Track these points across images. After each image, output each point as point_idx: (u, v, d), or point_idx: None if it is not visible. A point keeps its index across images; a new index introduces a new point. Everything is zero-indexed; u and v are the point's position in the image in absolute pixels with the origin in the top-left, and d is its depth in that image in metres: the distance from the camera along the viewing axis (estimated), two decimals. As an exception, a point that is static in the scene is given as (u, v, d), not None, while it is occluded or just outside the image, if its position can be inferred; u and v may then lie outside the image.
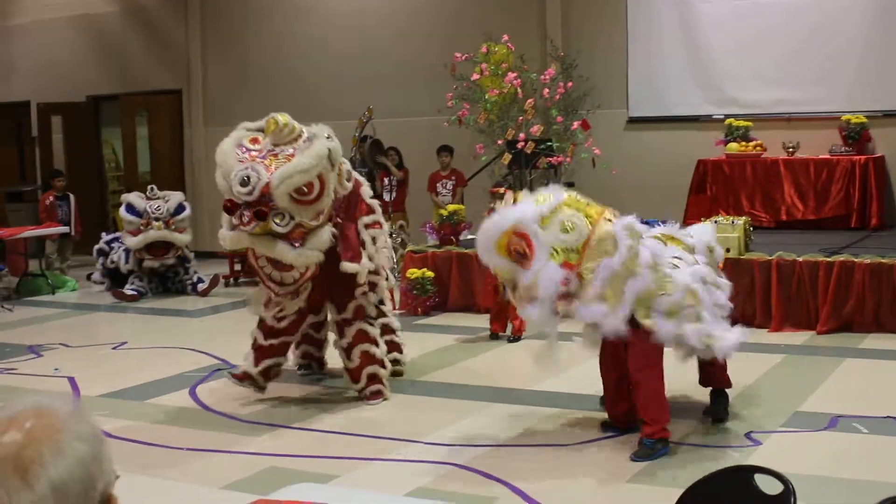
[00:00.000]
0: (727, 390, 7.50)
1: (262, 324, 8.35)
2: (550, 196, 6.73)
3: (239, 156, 7.58)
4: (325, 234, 7.71)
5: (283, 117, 7.70)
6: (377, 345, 8.33)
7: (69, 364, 9.92)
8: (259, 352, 8.27)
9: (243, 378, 8.28)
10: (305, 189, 7.41)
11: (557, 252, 6.47)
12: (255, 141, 7.72)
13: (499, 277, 7.34)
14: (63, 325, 12.40)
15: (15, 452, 1.75)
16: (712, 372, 7.38)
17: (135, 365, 9.89)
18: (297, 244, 7.54)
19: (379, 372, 8.29)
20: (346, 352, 8.27)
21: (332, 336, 8.70)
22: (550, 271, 6.42)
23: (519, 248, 6.51)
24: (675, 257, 6.87)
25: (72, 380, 9.25)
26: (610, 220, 6.66)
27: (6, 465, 1.75)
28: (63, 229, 15.50)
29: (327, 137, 7.68)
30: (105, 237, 14.81)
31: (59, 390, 8.73)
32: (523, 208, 6.65)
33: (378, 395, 8.27)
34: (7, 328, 12.13)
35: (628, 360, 6.84)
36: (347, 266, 7.94)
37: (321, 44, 17.29)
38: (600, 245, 6.51)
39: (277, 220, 7.41)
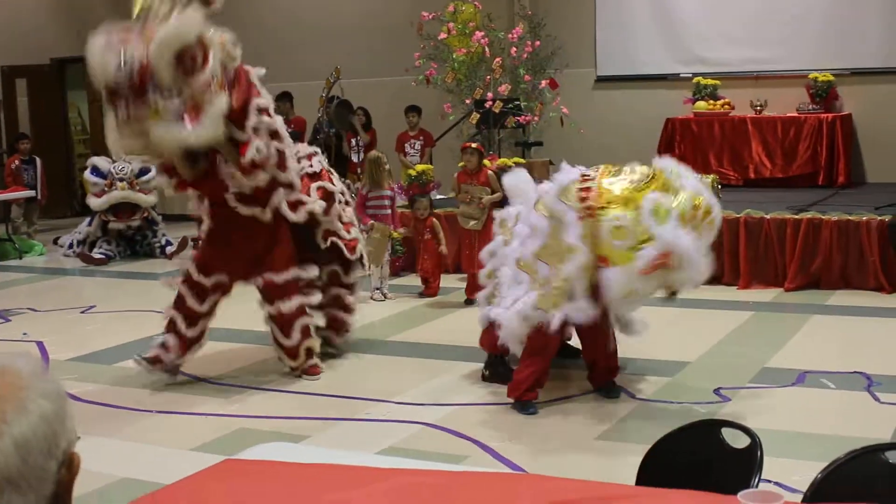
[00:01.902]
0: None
1: (182, 307, 7.73)
2: None
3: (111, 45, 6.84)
4: (221, 102, 6.94)
5: None
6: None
7: (37, 328, 9.87)
8: (183, 342, 7.70)
9: (155, 362, 7.70)
10: (188, 56, 6.80)
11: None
12: (126, 29, 6.95)
13: None
14: (31, 290, 12.33)
15: None
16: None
17: (103, 328, 9.86)
18: (193, 123, 6.84)
19: (315, 345, 7.90)
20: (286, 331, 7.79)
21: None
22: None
23: None
24: None
25: (40, 344, 9.19)
26: None
27: None
28: (29, 193, 15.39)
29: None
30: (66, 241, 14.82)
31: (27, 353, 8.68)
32: None
33: (316, 369, 7.91)
34: (-26, 293, 12.06)
35: None
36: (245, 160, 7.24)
37: (285, 4, 17.16)
38: None
39: (164, 98, 6.78)
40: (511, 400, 6.86)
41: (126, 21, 7.13)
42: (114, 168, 13.91)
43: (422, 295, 10.75)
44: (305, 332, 7.81)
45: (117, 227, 14.07)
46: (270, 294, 7.74)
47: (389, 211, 10.65)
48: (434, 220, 10.64)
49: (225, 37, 7.17)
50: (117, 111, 6.89)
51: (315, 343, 7.91)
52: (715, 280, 10.42)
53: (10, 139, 18.08)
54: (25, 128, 18.81)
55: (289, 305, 7.73)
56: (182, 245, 14.09)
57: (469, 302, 10.24)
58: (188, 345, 7.73)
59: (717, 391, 7.05)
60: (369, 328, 9.48)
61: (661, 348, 8.15)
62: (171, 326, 7.72)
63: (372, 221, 10.44)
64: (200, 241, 7.94)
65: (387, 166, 10.79)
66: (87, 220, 14.44)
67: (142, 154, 7.50)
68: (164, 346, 7.71)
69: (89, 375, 8.14)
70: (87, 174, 14.11)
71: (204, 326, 7.80)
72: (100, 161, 14.11)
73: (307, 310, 7.86)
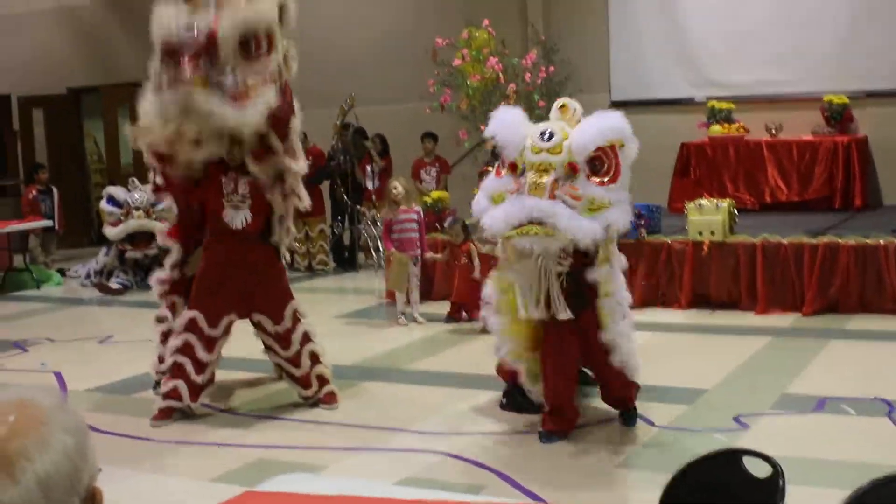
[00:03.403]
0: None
1: (189, 352, 7.49)
2: None
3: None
4: (271, 94, 7.09)
5: None
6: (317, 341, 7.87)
7: (55, 358, 9.89)
8: (194, 388, 7.51)
9: (168, 416, 7.56)
10: (253, 42, 6.92)
11: None
12: (192, 2, 7.16)
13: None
14: (49, 320, 12.35)
15: None
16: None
17: (121, 359, 9.84)
18: (238, 106, 6.93)
19: (326, 372, 7.86)
20: (294, 360, 7.72)
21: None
22: None
23: None
24: None
25: (58, 374, 9.21)
26: None
27: None
28: (46, 223, 15.46)
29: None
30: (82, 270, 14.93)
31: (46, 385, 8.71)
32: None
33: (333, 397, 7.84)
34: (-8, 323, 12.10)
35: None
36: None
37: (302, 30, 17.17)
38: None
39: (220, 75, 6.87)
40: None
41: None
42: (130, 197, 13.97)
43: (449, 320, 10.73)
44: (314, 358, 7.76)
45: (134, 257, 14.10)
46: (280, 339, 7.73)
47: (416, 234, 10.61)
48: (471, 244, 10.57)
49: (290, 48, 7.43)
50: (166, 71, 6.94)
51: (326, 370, 7.86)
52: (732, 305, 10.46)
53: (27, 169, 18.16)
54: (42, 157, 18.92)
55: (295, 336, 7.72)
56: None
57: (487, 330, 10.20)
58: (200, 390, 7.61)
59: (736, 419, 7.00)
60: (390, 355, 9.47)
61: (679, 375, 8.13)
62: (180, 372, 7.49)
63: (393, 250, 10.45)
64: (195, 288, 7.68)
65: (396, 189, 10.72)
66: (104, 249, 14.48)
67: (169, 124, 7.16)
68: (172, 395, 7.50)
69: (108, 405, 8.14)
70: (104, 204, 14.15)
71: (214, 368, 7.71)
72: (116, 190, 14.16)
73: (311, 336, 7.81)
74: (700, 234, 10.70)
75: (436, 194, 12.81)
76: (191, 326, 7.53)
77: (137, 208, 13.90)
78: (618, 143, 6.28)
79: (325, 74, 16.55)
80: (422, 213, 10.98)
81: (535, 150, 6.26)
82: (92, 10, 19.55)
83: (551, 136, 6.26)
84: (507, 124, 6.58)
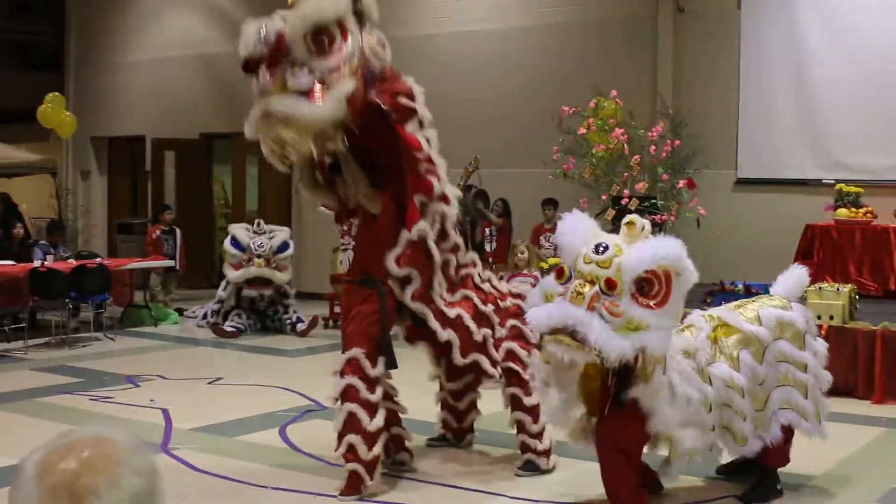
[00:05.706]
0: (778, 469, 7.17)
1: None
2: None
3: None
4: (347, 86, 6.83)
5: None
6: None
7: (165, 396, 10.04)
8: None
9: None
10: (324, 37, 6.76)
11: None
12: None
13: None
14: (162, 357, 12.58)
15: (70, 480, 1.76)
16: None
17: (229, 401, 9.98)
18: (313, 100, 6.77)
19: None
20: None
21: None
22: None
23: None
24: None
25: (165, 412, 9.34)
26: None
27: (62, 492, 1.75)
28: (168, 263, 15.78)
29: None
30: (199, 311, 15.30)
31: (153, 421, 8.86)
32: None
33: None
34: (108, 357, 12.35)
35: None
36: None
37: (429, 90, 17.33)
38: None
39: (294, 72, 6.74)
40: None
41: None
42: (253, 243, 14.17)
43: None
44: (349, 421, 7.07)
45: (250, 295, 14.29)
46: None
47: None
48: None
49: (374, 36, 7.18)
50: (254, 85, 6.97)
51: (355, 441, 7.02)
52: (847, 392, 10.18)
53: (155, 209, 18.57)
54: (171, 198, 19.34)
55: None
56: (313, 323, 14.21)
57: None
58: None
59: (842, 508, 6.83)
60: (492, 418, 9.41)
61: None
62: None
63: None
64: None
65: (522, 254, 10.77)
66: (223, 284, 14.67)
67: (273, 145, 7.26)
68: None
69: (210, 446, 8.23)
70: (227, 243, 14.40)
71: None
72: (240, 232, 14.37)
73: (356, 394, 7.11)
74: (819, 317, 10.46)
75: (553, 261, 12.76)
76: None
77: (259, 256, 14.10)
78: (672, 269, 6.13)
79: (452, 135, 16.57)
80: (540, 278, 10.97)
81: (587, 260, 6.20)
82: (230, 59, 19.91)
83: (605, 249, 6.18)
84: (573, 231, 6.50)
